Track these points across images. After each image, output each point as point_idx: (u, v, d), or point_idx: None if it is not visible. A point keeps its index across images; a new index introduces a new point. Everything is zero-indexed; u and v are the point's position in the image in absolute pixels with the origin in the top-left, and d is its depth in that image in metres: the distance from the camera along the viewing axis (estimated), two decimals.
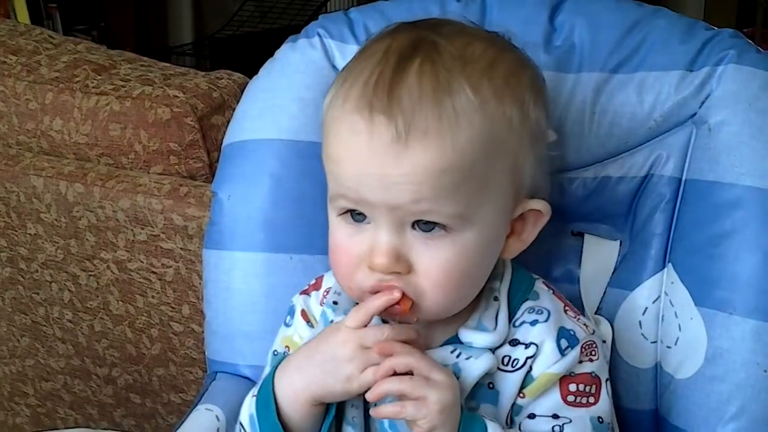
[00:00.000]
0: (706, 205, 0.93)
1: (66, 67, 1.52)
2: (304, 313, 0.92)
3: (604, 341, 0.89)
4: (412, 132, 0.75)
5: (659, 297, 0.96)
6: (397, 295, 0.78)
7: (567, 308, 0.87)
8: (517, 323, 0.85)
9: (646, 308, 0.96)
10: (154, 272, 1.44)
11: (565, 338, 0.84)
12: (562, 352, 0.83)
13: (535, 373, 0.83)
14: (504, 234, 0.84)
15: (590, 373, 0.84)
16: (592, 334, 0.86)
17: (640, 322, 0.96)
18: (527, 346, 0.83)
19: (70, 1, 3.49)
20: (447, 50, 0.79)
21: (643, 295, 0.96)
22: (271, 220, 1.01)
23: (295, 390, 0.82)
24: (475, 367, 0.82)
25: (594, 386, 0.84)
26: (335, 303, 0.89)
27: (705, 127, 0.94)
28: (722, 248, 0.91)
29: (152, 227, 1.40)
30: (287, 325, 0.93)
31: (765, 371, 0.90)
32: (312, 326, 0.91)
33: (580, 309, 0.92)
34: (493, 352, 0.83)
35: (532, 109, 0.82)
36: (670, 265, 0.95)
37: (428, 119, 0.76)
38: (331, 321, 0.88)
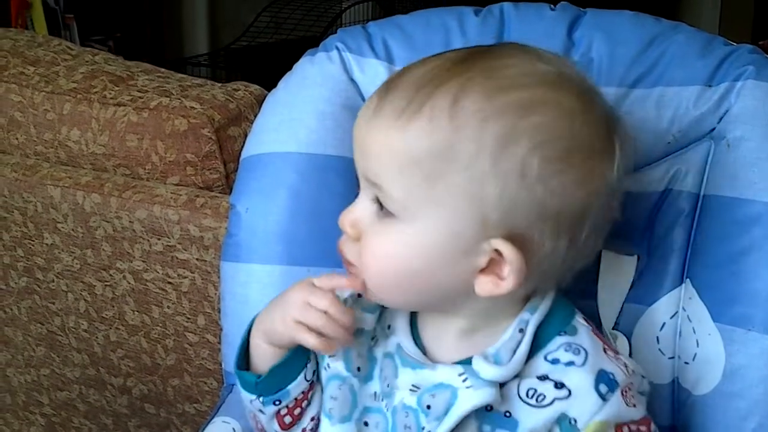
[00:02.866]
0: (724, 221, 0.92)
1: (84, 78, 1.52)
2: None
3: (643, 376, 0.85)
4: (386, 107, 0.79)
5: (677, 312, 0.95)
6: (358, 285, 0.83)
7: (606, 347, 0.84)
8: (549, 357, 0.82)
9: (664, 324, 0.96)
10: (169, 282, 1.44)
11: (605, 383, 0.80)
12: (604, 398, 0.80)
13: (579, 421, 0.80)
14: (466, 260, 0.79)
15: (642, 417, 0.82)
16: (632, 374, 0.83)
17: (657, 337, 0.96)
18: (558, 386, 0.80)
19: (87, 11, 3.51)
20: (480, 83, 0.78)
21: (660, 310, 0.96)
22: (288, 233, 1.01)
23: (256, 324, 0.89)
24: (469, 400, 0.80)
25: (645, 426, 0.82)
26: (360, 296, 0.89)
27: (723, 142, 0.94)
28: (741, 264, 0.91)
29: (168, 238, 1.40)
30: None
31: None
32: None
33: (597, 324, 0.91)
34: (502, 386, 0.81)
35: (528, 157, 0.76)
36: (687, 280, 0.95)
37: (404, 101, 0.78)
38: None
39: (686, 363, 0.94)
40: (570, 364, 0.81)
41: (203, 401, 1.53)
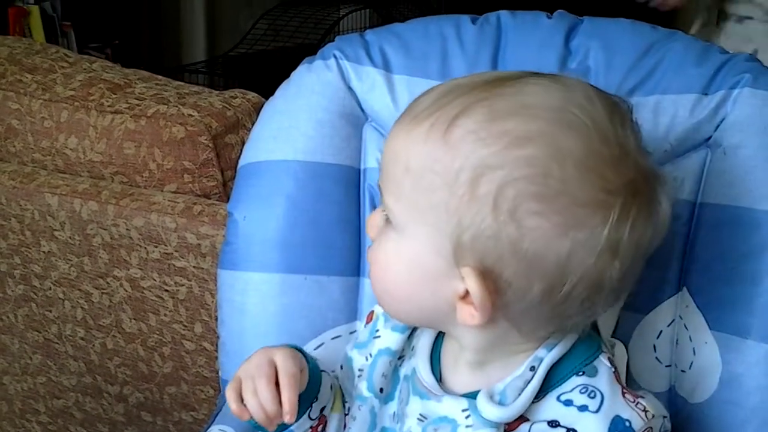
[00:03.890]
0: (720, 229, 0.93)
1: (81, 86, 1.52)
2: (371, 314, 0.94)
3: (665, 416, 0.82)
4: (406, 114, 0.79)
5: (674, 321, 0.95)
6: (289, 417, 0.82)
7: (625, 392, 0.79)
8: (563, 398, 0.78)
9: (661, 332, 0.95)
10: (166, 290, 1.44)
11: (620, 431, 0.77)
12: None
13: None
14: (446, 283, 0.77)
15: None
16: (652, 418, 0.78)
17: (654, 345, 0.96)
18: None
19: (84, 19, 3.51)
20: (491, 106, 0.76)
21: (657, 318, 0.96)
22: (286, 241, 1.01)
23: None
24: None
25: None
26: None
27: (720, 150, 0.94)
28: (737, 272, 0.91)
29: (165, 245, 1.40)
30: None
31: None
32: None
33: (594, 331, 0.88)
34: (511, 427, 0.79)
35: (504, 187, 0.73)
36: (684, 288, 0.95)
37: (419, 110, 0.78)
38: (377, 330, 0.90)
39: (683, 371, 0.94)
40: (583, 408, 0.78)
41: (200, 409, 1.53)
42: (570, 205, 0.73)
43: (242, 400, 0.82)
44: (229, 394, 0.83)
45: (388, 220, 0.80)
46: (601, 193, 0.74)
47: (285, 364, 0.83)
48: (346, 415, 0.93)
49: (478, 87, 0.78)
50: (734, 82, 0.94)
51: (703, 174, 0.95)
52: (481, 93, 0.77)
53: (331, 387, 0.92)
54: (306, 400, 0.87)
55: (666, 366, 0.96)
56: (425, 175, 0.76)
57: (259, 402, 0.81)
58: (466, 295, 0.76)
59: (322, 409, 0.90)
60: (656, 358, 0.96)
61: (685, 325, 0.94)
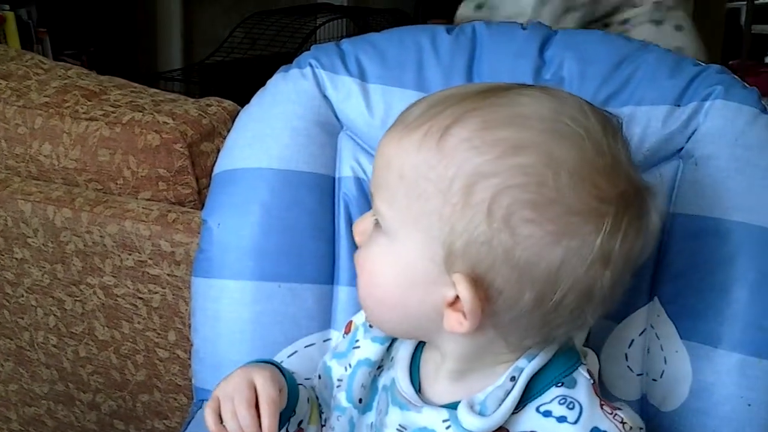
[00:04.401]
0: (692, 239, 0.93)
1: (56, 93, 1.52)
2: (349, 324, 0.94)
3: (641, 428, 0.81)
4: (398, 122, 0.79)
5: (645, 330, 0.96)
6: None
7: (603, 404, 0.79)
8: (542, 409, 0.78)
9: (633, 340, 0.96)
10: (140, 298, 1.44)
11: None
12: None
13: None
14: (435, 290, 0.77)
15: None
16: (629, 430, 0.78)
17: (626, 354, 0.96)
18: None
19: (60, 25, 3.50)
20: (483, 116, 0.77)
21: (629, 327, 0.96)
22: (260, 249, 1.01)
23: None
24: None
25: None
26: (371, 326, 0.89)
27: (692, 161, 0.95)
28: (708, 282, 0.92)
29: (139, 253, 1.40)
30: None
31: (749, 405, 0.91)
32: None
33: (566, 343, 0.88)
34: None
35: (498, 195, 0.73)
36: (656, 297, 0.96)
37: (412, 118, 0.78)
38: (357, 340, 0.90)
39: (654, 380, 0.95)
40: (562, 419, 0.78)
41: (173, 417, 1.52)
42: (564, 213, 0.73)
43: (221, 420, 0.82)
44: (208, 414, 0.83)
45: (377, 226, 0.81)
46: (595, 202, 0.74)
47: (265, 387, 0.82)
48: (323, 426, 0.93)
49: (469, 97, 0.78)
50: (706, 94, 0.96)
51: (675, 184, 0.96)
52: (472, 103, 0.77)
53: (308, 400, 0.92)
54: (284, 416, 0.87)
55: (637, 375, 0.96)
56: (419, 182, 0.76)
57: (238, 425, 0.81)
58: (454, 302, 0.76)
59: (300, 423, 0.90)
60: (628, 366, 0.96)
61: (656, 334, 0.95)
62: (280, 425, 0.86)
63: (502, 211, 0.73)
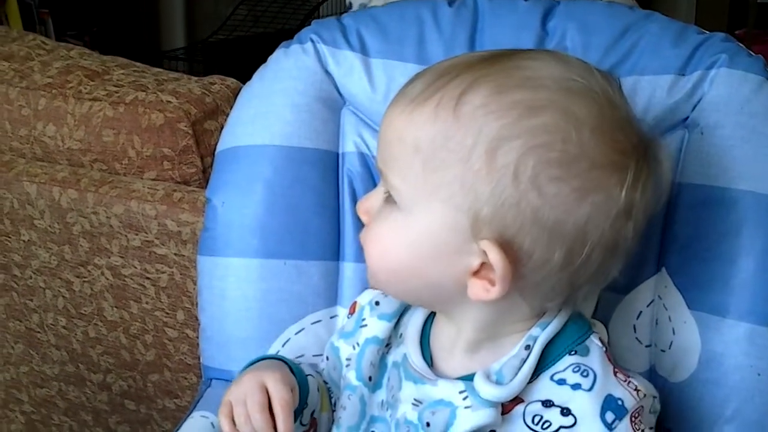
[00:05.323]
0: (699, 209, 0.93)
1: (59, 73, 1.51)
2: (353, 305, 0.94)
3: (655, 396, 0.83)
4: (405, 95, 0.79)
5: (653, 301, 0.96)
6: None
7: (617, 371, 0.81)
8: (556, 378, 0.80)
9: (641, 312, 0.96)
10: (148, 278, 1.44)
11: (612, 410, 0.78)
12: (609, 427, 0.77)
13: None
14: (458, 259, 0.78)
15: None
16: (643, 397, 0.80)
17: (634, 326, 0.96)
18: (564, 412, 0.78)
19: (62, 6, 3.49)
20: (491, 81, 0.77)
21: (637, 298, 0.96)
22: (264, 226, 1.01)
23: None
24: (468, 420, 0.79)
25: None
26: (377, 303, 0.90)
27: (697, 130, 0.94)
28: (715, 252, 0.92)
29: (146, 233, 1.40)
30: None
31: (759, 374, 0.91)
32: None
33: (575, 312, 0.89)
34: (507, 407, 0.79)
35: (523, 157, 0.74)
36: (663, 268, 0.95)
37: (420, 89, 0.78)
38: (363, 319, 0.90)
39: (663, 351, 0.95)
40: (577, 387, 0.79)
41: (183, 396, 1.53)
42: (588, 168, 0.74)
43: (235, 424, 0.82)
44: (223, 421, 0.82)
45: (388, 202, 0.80)
46: (616, 155, 0.76)
47: (277, 389, 0.82)
48: (333, 410, 0.93)
49: (476, 64, 0.78)
50: (711, 63, 0.95)
51: (680, 154, 0.95)
52: (480, 70, 0.77)
53: (318, 389, 0.92)
54: (297, 410, 0.87)
55: (646, 346, 0.96)
56: (437, 153, 0.76)
57: (252, 429, 0.81)
58: (479, 270, 0.77)
59: (312, 413, 0.91)
60: (636, 338, 0.96)
61: (664, 305, 0.95)
62: (294, 418, 0.85)
63: (529, 172, 0.74)
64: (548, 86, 0.76)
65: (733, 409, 0.91)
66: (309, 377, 0.91)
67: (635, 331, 0.96)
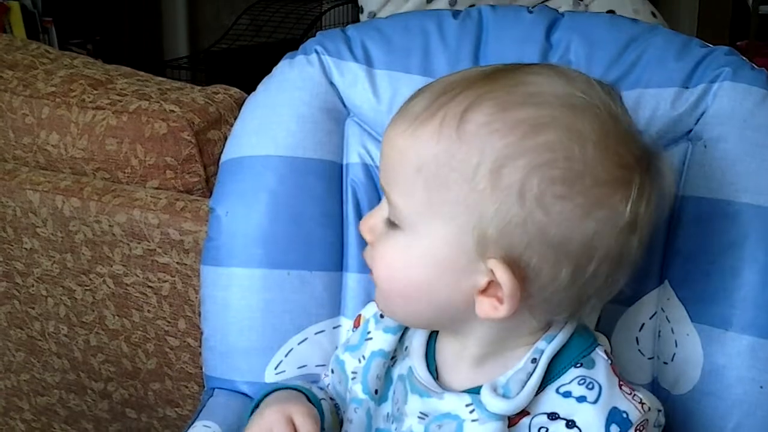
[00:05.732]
0: (702, 222, 0.93)
1: (62, 82, 1.52)
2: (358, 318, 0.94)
3: (660, 410, 0.83)
4: (407, 113, 0.79)
5: (656, 313, 0.96)
6: None
7: (622, 384, 0.81)
8: (562, 390, 0.80)
9: (643, 324, 0.96)
10: (150, 287, 1.44)
11: (617, 423, 0.78)
12: None
13: None
14: (465, 278, 0.78)
15: None
16: (648, 411, 0.80)
17: (636, 338, 0.96)
18: (569, 424, 0.78)
19: (65, 15, 3.49)
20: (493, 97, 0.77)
21: (640, 311, 0.96)
22: (268, 237, 1.01)
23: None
24: None
25: None
26: (382, 316, 0.90)
27: (700, 143, 0.94)
28: (718, 265, 0.92)
29: (148, 242, 1.40)
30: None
31: (761, 387, 0.91)
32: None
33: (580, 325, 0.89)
34: (513, 420, 0.79)
35: (528, 176, 0.74)
36: (666, 281, 0.95)
37: (422, 107, 0.78)
38: (369, 332, 0.90)
39: (665, 363, 0.95)
40: (582, 399, 0.79)
41: (184, 405, 1.53)
42: (592, 185, 0.75)
43: None
44: None
45: (391, 222, 0.80)
46: (619, 171, 0.76)
47: (305, 423, 0.82)
48: (341, 425, 0.93)
49: (478, 81, 0.78)
50: (714, 76, 0.95)
51: (684, 167, 0.96)
52: (483, 86, 0.77)
53: (330, 412, 0.93)
54: None
55: (648, 358, 0.96)
56: (440, 172, 0.76)
57: None
58: (486, 288, 0.77)
59: None
60: (639, 350, 0.96)
61: (667, 318, 0.95)
62: None
63: (534, 191, 0.74)
64: (551, 103, 0.76)
65: (735, 422, 0.91)
66: (323, 401, 0.92)
67: (638, 343, 0.96)
